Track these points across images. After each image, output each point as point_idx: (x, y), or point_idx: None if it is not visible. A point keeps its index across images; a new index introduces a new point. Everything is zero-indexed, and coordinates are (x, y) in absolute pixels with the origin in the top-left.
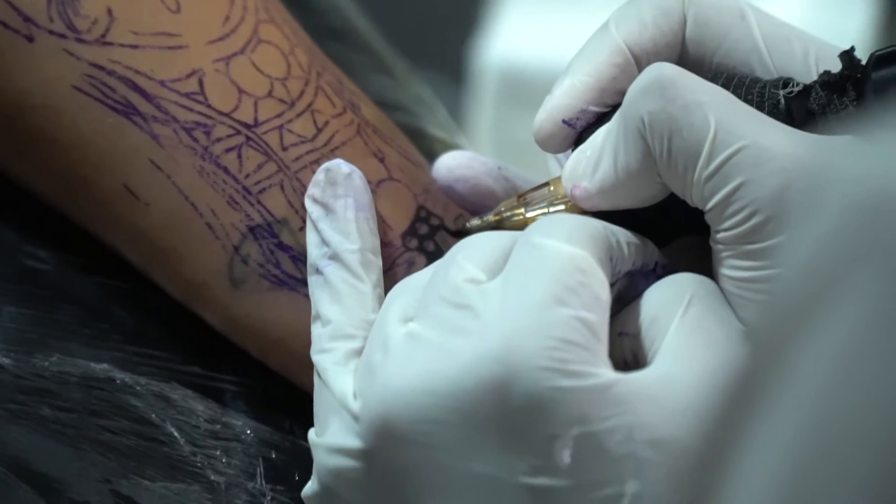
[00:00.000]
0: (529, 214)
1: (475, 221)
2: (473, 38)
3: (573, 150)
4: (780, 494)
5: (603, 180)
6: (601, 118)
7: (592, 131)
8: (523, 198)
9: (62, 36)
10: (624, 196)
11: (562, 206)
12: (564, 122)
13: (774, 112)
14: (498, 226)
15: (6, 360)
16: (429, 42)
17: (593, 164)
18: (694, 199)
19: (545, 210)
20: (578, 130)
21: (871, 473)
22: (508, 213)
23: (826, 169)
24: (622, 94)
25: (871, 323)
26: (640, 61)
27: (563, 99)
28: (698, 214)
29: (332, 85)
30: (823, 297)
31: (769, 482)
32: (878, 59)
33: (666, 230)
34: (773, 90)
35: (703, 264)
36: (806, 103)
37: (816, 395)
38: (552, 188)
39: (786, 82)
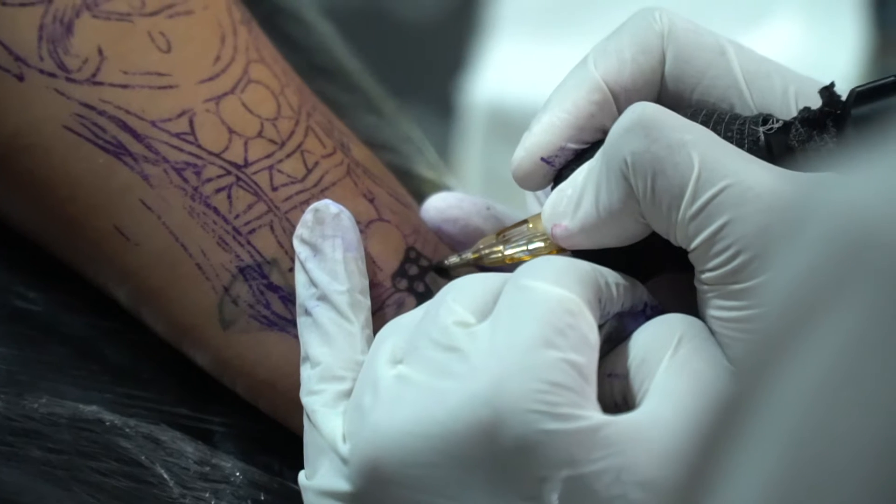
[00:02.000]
0: (508, 252)
1: (454, 259)
2: (461, 74)
3: (552, 188)
4: None
5: (584, 220)
6: (580, 155)
7: (571, 168)
8: (502, 235)
9: (52, 75)
10: (605, 235)
11: (541, 244)
12: (543, 159)
13: (754, 149)
14: (476, 263)
15: None
16: (417, 79)
17: (574, 203)
18: (678, 239)
19: (524, 247)
20: (557, 168)
21: (852, 498)
22: (487, 251)
23: (805, 202)
24: (601, 130)
25: (851, 351)
26: (618, 98)
27: (542, 136)
28: (679, 252)
29: (322, 125)
30: (804, 326)
31: None
32: (858, 96)
33: (646, 267)
34: (752, 127)
35: (686, 301)
36: (786, 140)
37: (797, 423)
38: (531, 225)
39: (765, 119)
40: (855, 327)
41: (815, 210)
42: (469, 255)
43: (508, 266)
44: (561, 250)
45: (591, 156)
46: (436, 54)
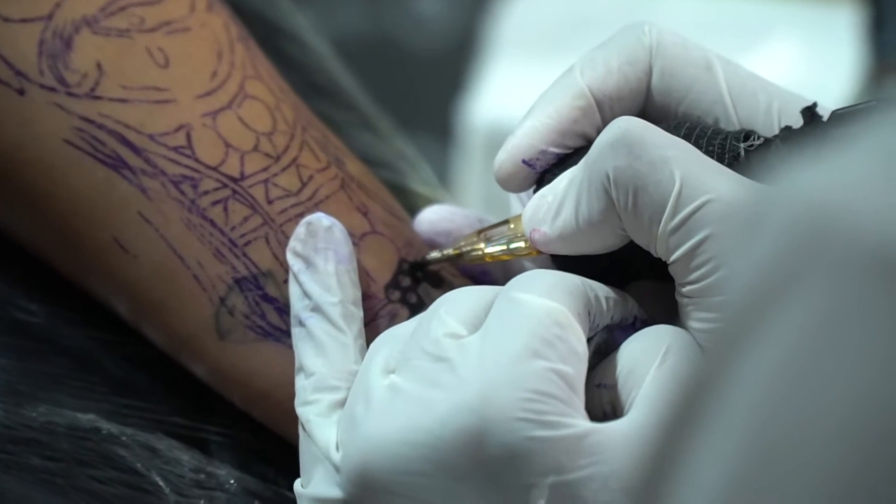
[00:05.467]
0: (488, 250)
1: (434, 254)
2: (461, 97)
3: (534, 191)
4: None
5: (563, 227)
6: (563, 160)
7: (554, 172)
8: (483, 233)
9: (53, 90)
10: (583, 244)
11: (521, 244)
12: (524, 162)
13: (734, 164)
14: (457, 259)
15: None
16: (418, 103)
17: (554, 210)
18: (658, 252)
19: (504, 247)
20: (539, 171)
21: (810, 479)
22: (468, 248)
23: (767, 196)
24: (583, 137)
25: (809, 335)
26: (602, 106)
27: (524, 139)
28: (658, 260)
29: (317, 140)
30: (765, 312)
31: (710, 493)
32: (839, 117)
33: (624, 273)
34: (734, 142)
35: (670, 309)
36: (766, 156)
37: (756, 407)
38: (512, 226)
39: (747, 135)
40: (812, 315)
41: (776, 202)
42: (450, 252)
43: (488, 264)
44: (540, 252)
45: (574, 161)
46: (438, 81)
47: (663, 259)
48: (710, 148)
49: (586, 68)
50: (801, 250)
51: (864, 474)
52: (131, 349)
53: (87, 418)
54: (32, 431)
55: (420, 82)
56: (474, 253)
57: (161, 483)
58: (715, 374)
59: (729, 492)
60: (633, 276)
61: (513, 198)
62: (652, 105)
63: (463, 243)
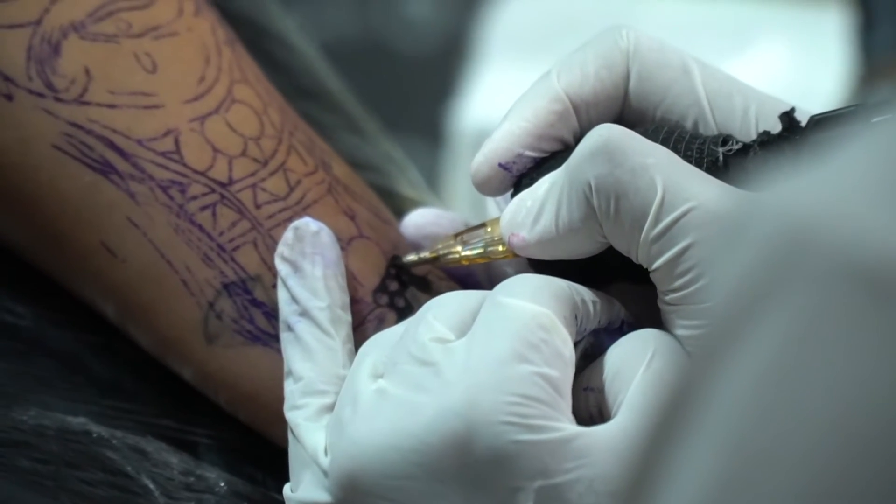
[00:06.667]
0: (465, 253)
1: (411, 257)
2: (450, 100)
3: (511, 195)
4: None
5: (542, 233)
6: (539, 164)
7: (530, 176)
8: (460, 236)
9: (41, 95)
10: (562, 249)
11: (498, 248)
12: (500, 165)
13: (713, 169)
14: (433, 262)
15: None
16: (406, 106)
17: (533, 215)
18: (639, 259)
19: (481, 250)
20: (515, 175)
21: (792, 486)
22: (445, 251)
23: (748, 208)
24: (559, 140)
25: (792, 343)
26: (579, 110)
27: (500, 143)
28: (634, 264)
29: (304, 144)
30: (748, 320)
31: (694, 498)
32: (817, 123)
33: (599, 274)
34: (712, 147)
35: (649, 312)
36: (744, 162)
37: (739, 414)
38: (489, 229)
39: (725, 140)
40: (794, 323)
41: (759, 211)
42: (426, 255)
43: (464, 268)
44: (516, 256)
45: (550, 165)
46: (427, 83)
47: (644, 266)
48: (689, 153)
49: (563, 72)
50: (783, 259)
51: (846, 482)
52: (119, 351)
53: (77, 421)
54: (22, 434)
55: (409, 85)
56: (451, 256)
57: (151, 486)
58: (699, 381)
59: (712, 497)
60: (609, 277)
61: (489, 201)
62: (629, 109)
63: (440, 246)
